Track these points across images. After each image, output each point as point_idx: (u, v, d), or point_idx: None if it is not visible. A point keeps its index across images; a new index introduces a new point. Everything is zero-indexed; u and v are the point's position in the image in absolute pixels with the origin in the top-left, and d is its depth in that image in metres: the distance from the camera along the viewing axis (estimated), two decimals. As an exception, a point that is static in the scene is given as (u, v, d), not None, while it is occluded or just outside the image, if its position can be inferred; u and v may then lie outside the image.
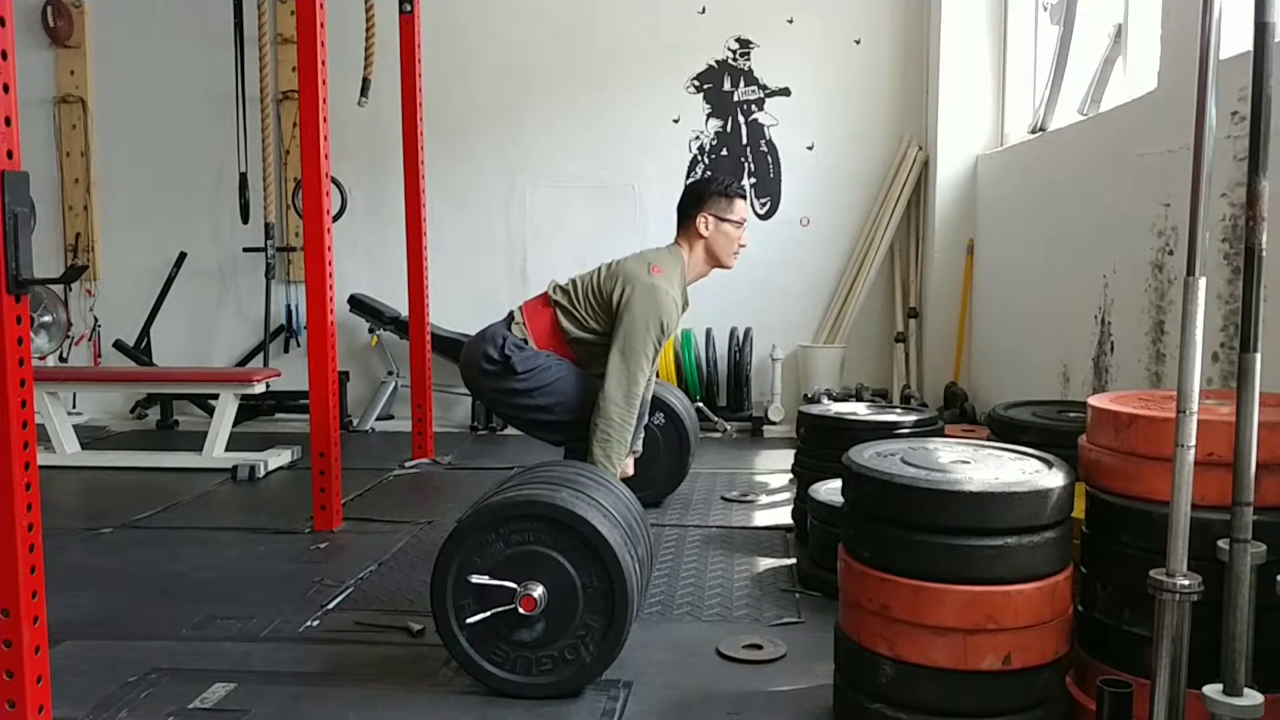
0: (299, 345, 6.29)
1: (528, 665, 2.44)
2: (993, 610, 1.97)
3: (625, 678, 2.56)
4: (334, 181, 4.53)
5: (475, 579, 2.40)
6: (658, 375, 4.52)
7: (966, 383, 5.65)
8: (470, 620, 2.42)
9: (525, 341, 3.35)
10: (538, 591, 2.39)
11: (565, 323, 3.37)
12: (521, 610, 2.39)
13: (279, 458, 5.05)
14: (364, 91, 4.65)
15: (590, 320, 3.35)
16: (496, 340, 3.36)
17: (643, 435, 3.78)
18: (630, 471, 3.63)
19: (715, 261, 3.50)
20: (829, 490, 3.26)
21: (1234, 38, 2.37)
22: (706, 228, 3.42)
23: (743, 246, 3.52)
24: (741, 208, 3.47)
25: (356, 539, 3.85)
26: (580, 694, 2.46)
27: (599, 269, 3.43)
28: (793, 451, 3.89)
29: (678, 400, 4.34)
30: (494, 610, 2.40)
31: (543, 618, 2.41)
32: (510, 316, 3.44)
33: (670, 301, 3.28)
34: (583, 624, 2.42)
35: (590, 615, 2.41)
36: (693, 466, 4.37)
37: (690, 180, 3.48)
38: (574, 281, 3.44)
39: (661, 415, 4.16)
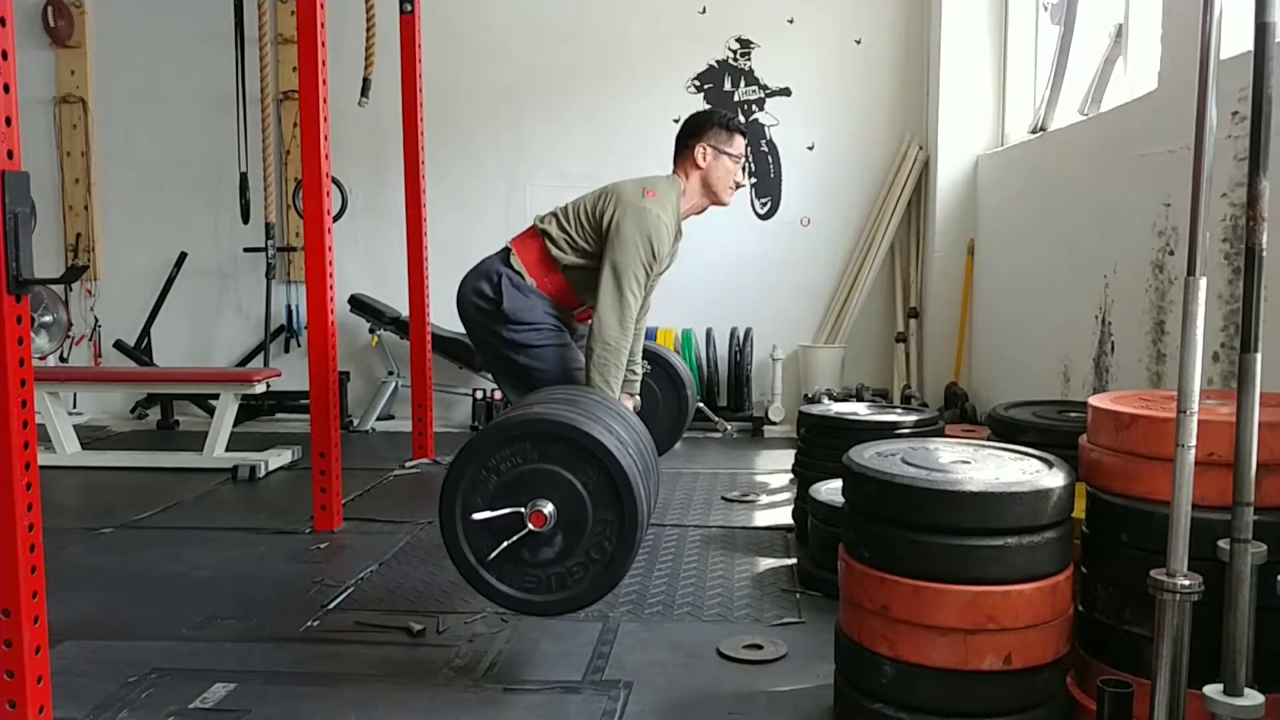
0: (299, 345, 6.29)
1: (562, 580, 2.45)
2: (993, 610, 1.97)
3: (625, 678, 2.56)
4: (334, 181, 4.52)
5: (479, 516, 2.40)
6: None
7: (967, 383, 5.65)
8: (490, 556, 2.41)
9: (522, 276, 3.32)
10: (547, 508, 2.39)
11: (555, 251, 3.32)
12: (535, 528, 2.38)
13: (279, 458, 5.05)
14: (364, 91, 4.65)
15: (581, 241, 3.30)
16: (491, 276, 3.32)
17: (638, 383, 3.73)
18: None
19: (711, 195, 3.44)
20: (829, 490, 3.26)
21: (1234, 38, 2.37)
22: (704, 158, 3.38)
23: (739, 184, 3.48)
24: (740, 143, 3.43)
25: (357, 539, 3.85)
26: (618, 582, 2.47)
27: (595, 192, 3.37)
28: (793, 451, 3.89)
29: (675, 359, 4.37)
30: (511, 539, 2.40)
31: (558, 529, 2.41)
32: (507, 250, 3.40)
33: (662, 225, 3.23)
34: (598, 521, 2.41)
35: (601, 510, 2.41)
36: (693, 467, 4.36)
37: (691, 115, 3.45)
38: (566, 207, 3.39)
39: (646, 363, 4.11)
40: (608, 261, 3.19)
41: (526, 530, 2.38)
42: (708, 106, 3.53)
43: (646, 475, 2.61)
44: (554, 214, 3.39)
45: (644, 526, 2.46)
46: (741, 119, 6.11)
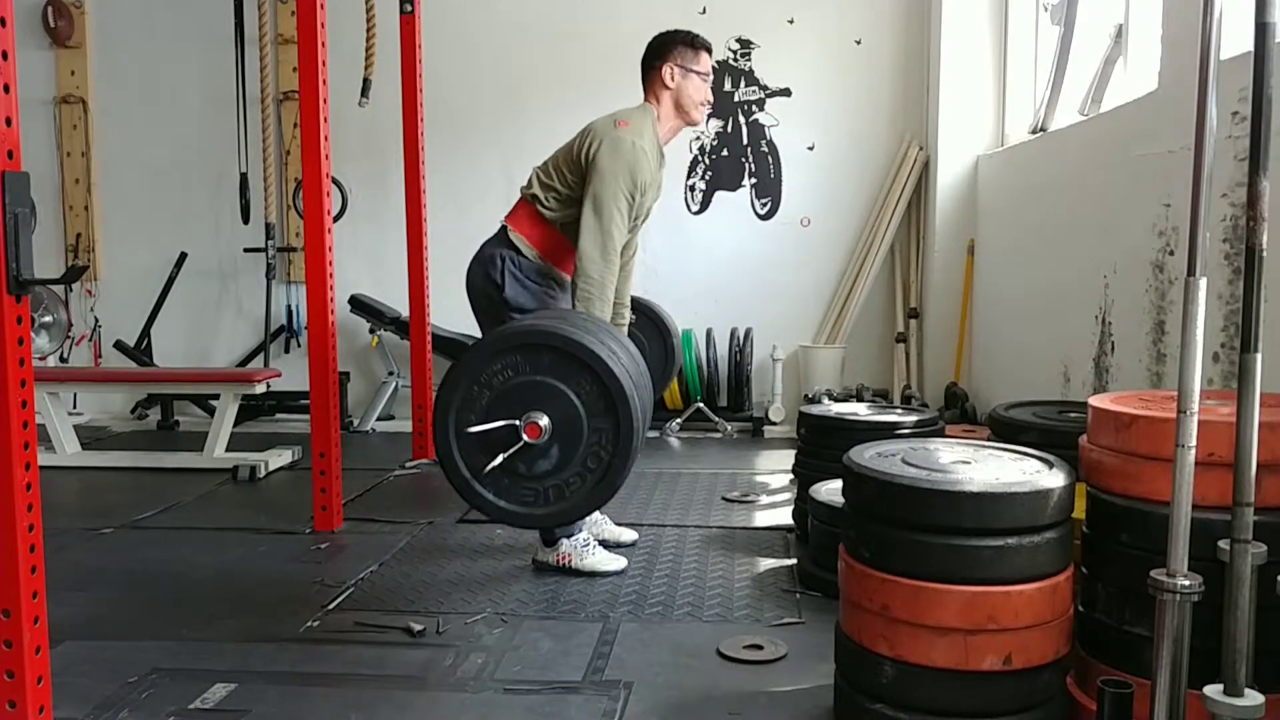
0: (299, 345, 6.29)
1: (560, 491, 2.45)
2: (993, 610, 1.97)
3: (625, 678, 2.56)
4: (334, 181, 4.52)
5: (474, 429, 2.39)
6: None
7: (967, 383, 5.65)
8: (487, 470, 2.40)
9: (520, 252, 3.31)
10: (543, 420, 2.38)
11: (545, 212, 3.31)
12: (530, 440, 2.38)
13: (280, 458, 5.05)
14: (364, 92, 4.65)
15: (566, 190, 3.29)
16: (495, 262, 3.33)
17: (625, 330, 3.68)
18: None
19: (683, 115, 3.41)
20: (829, 490, 3.26)
21: (1234, 38, 2.37)
22: (672, 79, 3.35)
23: (709, 102, 3.45)
24: (707, 60, 3.40)
25: (357, 539, 3.85)
26: (616, 490, 2.46)
27: (569, 141, 3.37)
28: (793, 452, 3.89)
29: (661, 308, 4.35)
30: (507, 453, 2.39)
31: (554, 441, 2.41)
32: (503, 229, 3.39)
33: (639, 152, 3.20)
34: (593, 431, 2.41)
35: (596, 420, 2.41)
36: (693, 468, 4.35)
37: (654, 37, 3.41)
38: (544, 164, 3.38)
39: (632, 314, 4.04)
40: (588, 195, 3.17)
41: (522, 443, 2.37)
42: (656, 36, 3.44)
43: (640, 387, 2.59)
44: (534, 175, 3.38)
45: (639, 434, 2.44)
46: (742, 120, 6.13)
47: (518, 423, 2.37)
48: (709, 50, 3.42)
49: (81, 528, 3.97)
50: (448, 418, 2.42)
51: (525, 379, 2.41)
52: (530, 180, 3.40)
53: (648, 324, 4.21)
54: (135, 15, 6.32)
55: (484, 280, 3.34)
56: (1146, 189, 3.32)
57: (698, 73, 3.36)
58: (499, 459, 2.38)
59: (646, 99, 3.42)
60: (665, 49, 3.37)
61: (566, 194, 3.29)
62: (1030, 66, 5.31)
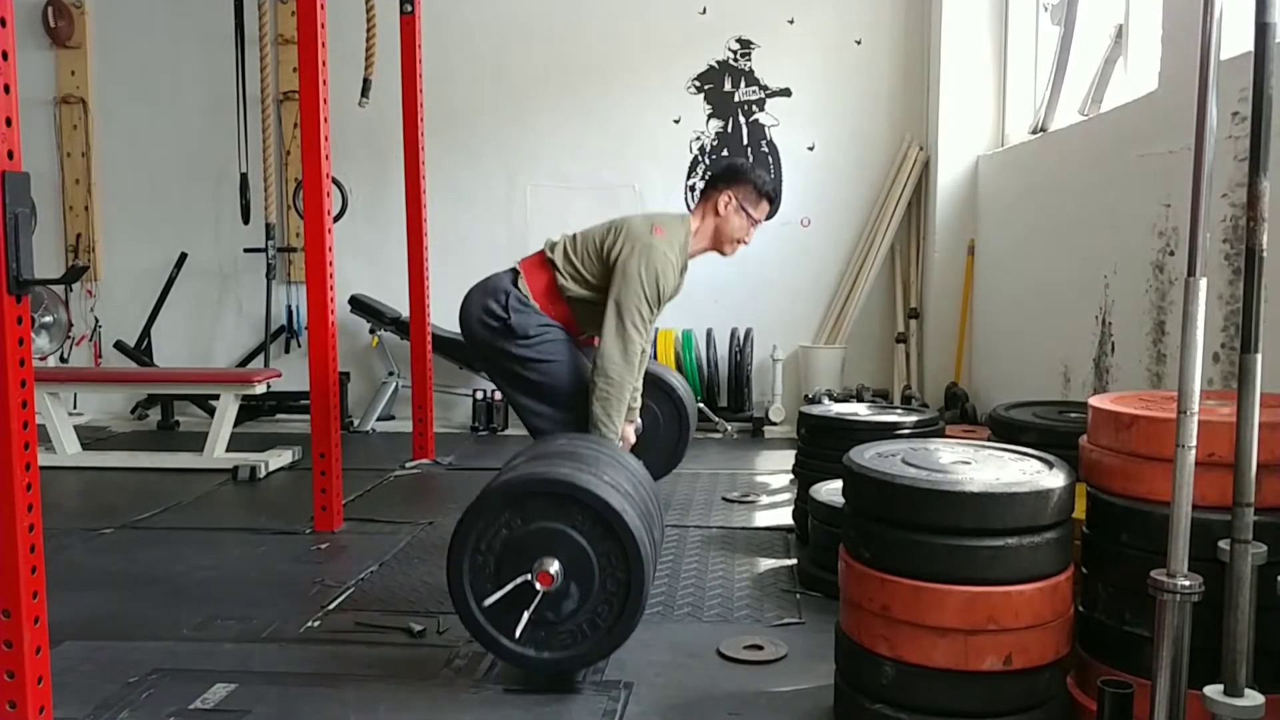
0: (300, 346, 6.29)
1: (593, 622, 2.44)
2: (994, 611, 1.97)
3: (626, 678, 2.56)
4: (335, 182, 4.52)
5: (489, 601, 2.41)
6: (655, 357, 4.41)
7: (967, 383, 5.65)
8: (519, 633, 2.42)
9: (527, 301, 3.30)
10: (553, 566, 2.38)
11: (563, 281, 3.31)
12: (543, 587, 2.38)
13: (280, 458, 5.05)
14: (365, 92, 4.65)
15: (587, 274, 3.29)
16: (499, 296, 3.31)
17: (638, 410, 3.70)
18: (632, 439, 3.57)
19: (716, 243, 3.44)
20: (830, 491, 3.26)
21: (1235, 38, 2.37)
22: (725, 207, 3.37)
23: (745, 243, 3.48)
24: (765, 210, 3.44)
25: (357, 539, 3.85)
26: (644, 604, 2.44)
27: (605, 225, 3.37)
28: (793, 452, 3.89)
29: (675, 380, 4.37)
30: (529, 609, 2.40)
31: (569, 579, 2.41)
32: (515, 272, 3.37)
33: (668, 263, 3.22)
34: (600, 556, 2.40)
35: (599, 545, 2.40)
36: (693, 468, 4.33)
37: (734, 160, 3.39)
38: (575, 237, 3.38)
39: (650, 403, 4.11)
40: (612, 298, 3.19)
41: (540, 593, 2.39)
42: (752, 164, 3.44)
43: (635, 495, 2.60)
44: (563, 244, 3.38)
45: (647, 546, 2.43)
46: (742, 120, 6.13)
47: (529, 576, 2.39)
48: (771, 201, 3.47)
49: (81, 528, 3.97)
50: (465, 593, 2.44)
51: (521, 531, 2.43)
52: (558, 246, 3.39)
53: (663, 397, 4.22)
54: (135, 15, 6.33)
55: (485, 313, 3.31)
56: (1146, 189, 3.32)
57: (750, 215, 3.40)
58: (525, 618, 2.40)
59: (694, 211, 3.45)
60: (734, 179, 3.40)
61: (586, 277, 3.31)
62: (1030, 66, 5.31)
